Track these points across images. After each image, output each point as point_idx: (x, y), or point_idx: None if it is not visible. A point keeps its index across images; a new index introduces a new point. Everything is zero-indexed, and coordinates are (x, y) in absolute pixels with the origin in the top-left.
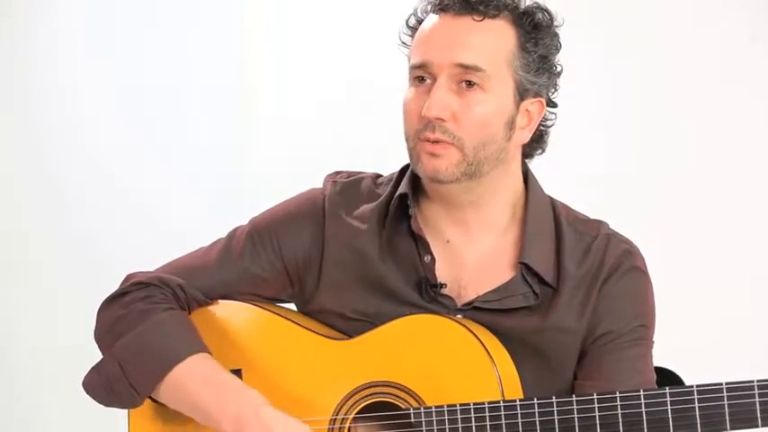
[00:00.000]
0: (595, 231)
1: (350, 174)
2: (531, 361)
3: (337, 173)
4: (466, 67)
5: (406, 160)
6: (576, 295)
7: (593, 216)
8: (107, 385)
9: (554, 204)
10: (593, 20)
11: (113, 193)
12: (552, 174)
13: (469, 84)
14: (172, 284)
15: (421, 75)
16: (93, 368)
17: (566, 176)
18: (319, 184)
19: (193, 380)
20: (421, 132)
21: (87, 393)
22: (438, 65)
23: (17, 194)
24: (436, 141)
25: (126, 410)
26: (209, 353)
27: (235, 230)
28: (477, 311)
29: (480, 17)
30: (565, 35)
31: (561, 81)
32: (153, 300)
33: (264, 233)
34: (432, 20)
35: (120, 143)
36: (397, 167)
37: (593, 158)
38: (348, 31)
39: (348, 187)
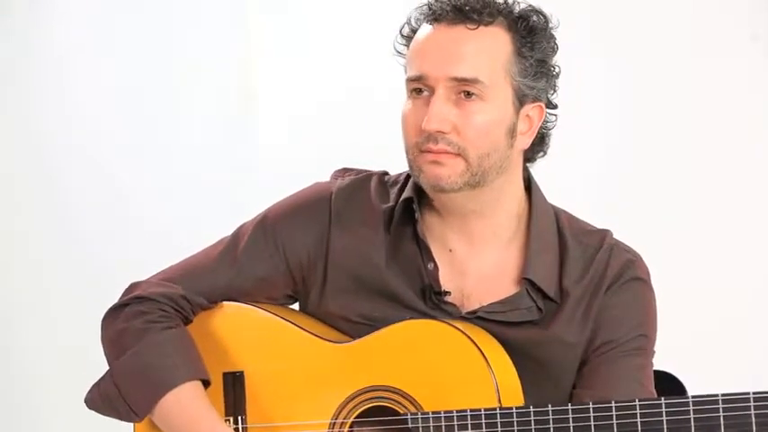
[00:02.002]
0: (599, 242)
1: (358, 171)
2: (533, 372)
3: (344, 170)
4: (463, 80)
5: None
6: (578, 308)
7: (592, 217)
8: (107, 404)
9: (558, 216)
10: (591, 19)
11: (113, 193)
12: (552, 175)
13: (468, 94)
14: (174, 297)
15: (418, 87)
16: (93, 386)
17: (565, 177)
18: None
19: (177, 414)
20: (422, 144)
21: (90, 409)
22: (434, 77)
23: (17, 194)
24: (439, 152)
25: None
26: (204, 376)
27: (239, 228)
28: (480, 321)
29: (474, 25)
30: (562, 35)
31: (560, 82)
32: (150, 318)
33: (269, 231)
34: (425, 31)
35: (119, 143)
36: (396, 169)
37: (590, 159)
38: (348, 32)
39: (356, 185)
